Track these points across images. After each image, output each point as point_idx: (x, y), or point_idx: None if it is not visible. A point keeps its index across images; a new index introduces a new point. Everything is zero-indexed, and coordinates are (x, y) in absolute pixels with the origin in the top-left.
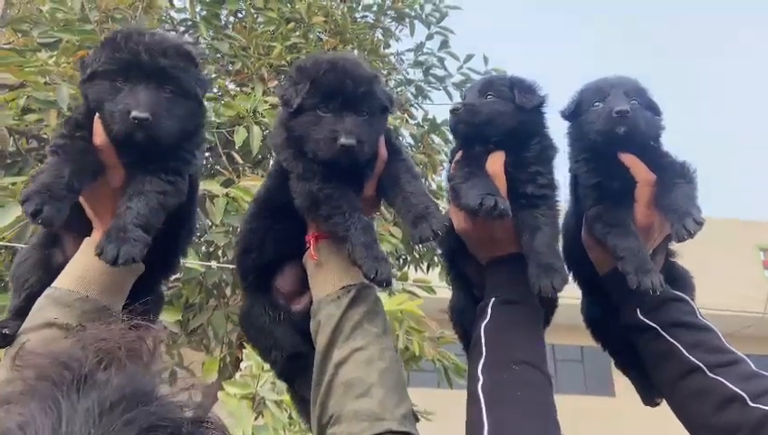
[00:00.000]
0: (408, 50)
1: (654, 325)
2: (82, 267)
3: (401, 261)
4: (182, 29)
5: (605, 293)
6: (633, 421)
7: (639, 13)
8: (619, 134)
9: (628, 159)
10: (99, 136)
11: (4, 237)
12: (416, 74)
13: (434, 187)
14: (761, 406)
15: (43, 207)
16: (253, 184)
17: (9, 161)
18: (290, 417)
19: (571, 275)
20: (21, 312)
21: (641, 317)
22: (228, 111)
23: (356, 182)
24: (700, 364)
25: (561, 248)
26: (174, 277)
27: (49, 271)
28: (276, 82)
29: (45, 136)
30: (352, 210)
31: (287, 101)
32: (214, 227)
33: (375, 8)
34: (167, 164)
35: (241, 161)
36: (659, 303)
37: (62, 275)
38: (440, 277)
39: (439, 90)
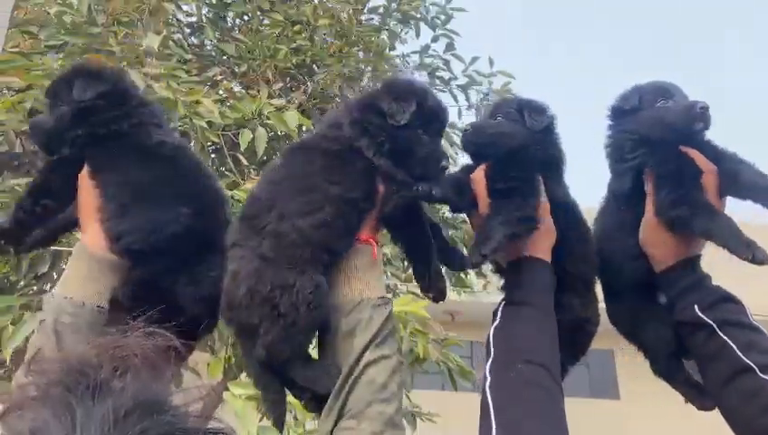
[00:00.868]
0: (414, 52)
1: (710, 322)
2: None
3: (406, 263)
4: (188, 31)
5: (644, 294)
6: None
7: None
8: (697, 129)
9: (691, 152)
10: None
11: None
12: (421, 76)
13: None
14: None
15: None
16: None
17: (16, 163)
18: (295, 418)
19: (601, 279)
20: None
21: (699, 314)
22: (234, 114)
23: None
24: (752, 365)
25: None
26: None
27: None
28: (282, 85)
29: None
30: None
31: (393, 114)
32: None
33: (381, 11)
34: None
35: (246, 163)
36: (717, 300)
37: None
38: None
39: (444, 92)
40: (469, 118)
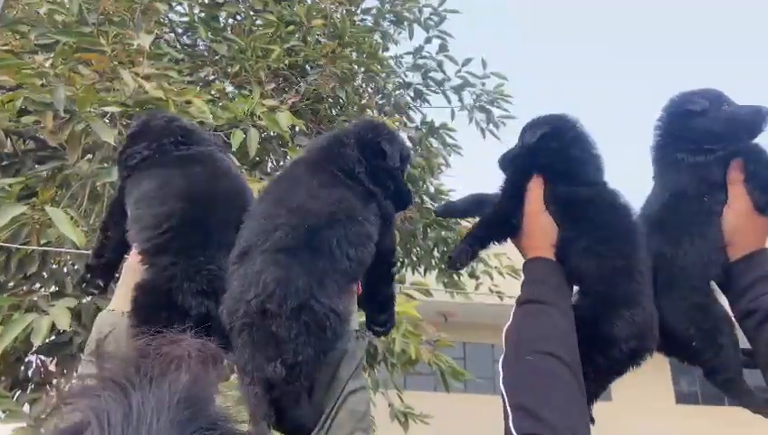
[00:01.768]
0: (407, 53)
1: None
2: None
3: (398, 264)
4: (180, 31)
5: (709, 292)
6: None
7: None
8: (765, 128)
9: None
10: None
11: None
12: (414, 78)
13: (432, 190)
14: None
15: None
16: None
17: (6, 163)
18: None
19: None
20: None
21: None
22: (226, 114)
23: None
24: None
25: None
26: None
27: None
28: (274, 85)
29: (42, 137)
30: None
31: (392, 156)
32: None
33: (374, 12)
34: None
35: (238, 164)
36: None
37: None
38: (437, 280)
39: (438, 93)
40: (462, 119)
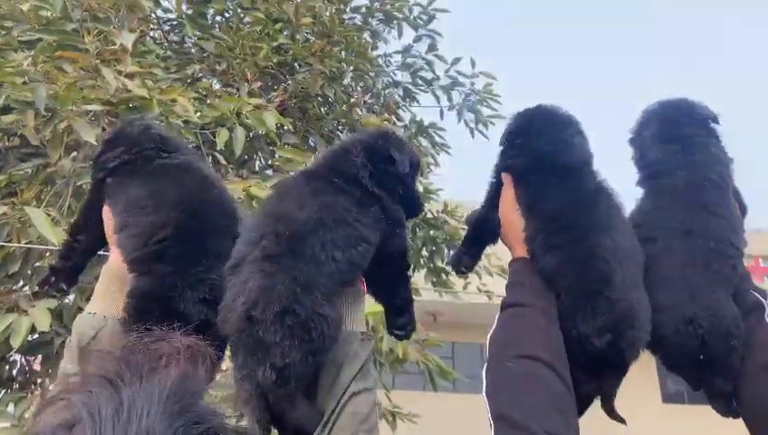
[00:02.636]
0: (396, 52)
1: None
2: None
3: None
4: (167, 28)
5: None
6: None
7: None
8: None
9: None
10: None
11: None
12: (403, 77)
13: (420, 189)
14: None
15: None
16: (235, 186)
17: None
18: None
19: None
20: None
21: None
22: (212, 112)
23: None
24: None
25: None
26: None
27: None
28: (262, 83)
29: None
30: None
31: (402, 162)
32: None
33: (363, 10)
34: None
35: (224, 163)
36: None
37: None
38: (425, 280)
39: (427, 92)
40: (451, 118)
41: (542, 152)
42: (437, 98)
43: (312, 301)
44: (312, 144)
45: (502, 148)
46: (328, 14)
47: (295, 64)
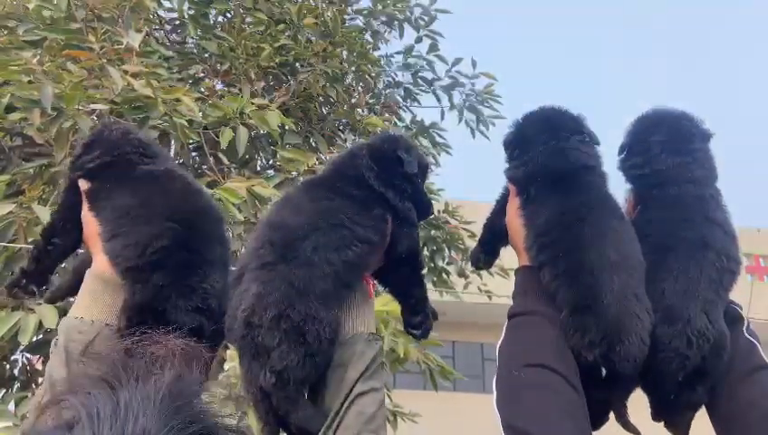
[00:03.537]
0: (398, 52)
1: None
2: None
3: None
4: (170, 28)
5: None
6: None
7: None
8: None
9: None
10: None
11: None
12: (404, 77)
13: None
14: None
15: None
16: (238, 185)
17: None
18: None
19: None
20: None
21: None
22: (215, 112)
23: None
24: None
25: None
26: None
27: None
28: (264, 84)
29: (29, 134)
30: None
31: (410, 164)
32: None
33: (365, 11)
34: None
35: (227, 163)
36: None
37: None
38: (426, 279)
39: (428, 92)
40: (452, 119)
41: (535, 163)
42: (438, 98)
43: (305, 305)
44: (313, 144)
45: (505, 156)
46: (330, 14)
47: (297, 65)
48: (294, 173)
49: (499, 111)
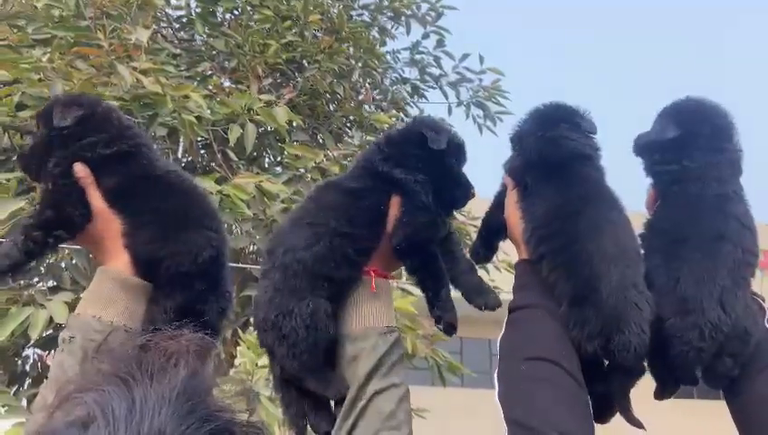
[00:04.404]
0: (404, 48)
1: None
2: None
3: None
4: (177, 26)
5: None
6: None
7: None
8: None
9: None
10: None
11: None
12: (411, 73)
13: None
14: None
15: None
16: (246, 181)
17: (3, 157)
18: None
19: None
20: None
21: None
22: (223, 109)
23: None
24: None
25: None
26: None
27: None
28: (271, 80)
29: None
30: None
31: (434, 140)
32: None
33: (372, 7)
34: None
35: (235, 159)
36: None
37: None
38: None
39: (435, 88)
40: (459, 114)
41: (530, 154)
42: (445, 94)
43: (279, 302)
44: (320, 141)
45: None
46: (336, 11)
47: (304, 62)
48: (302, 169)
49: (506, 106)
